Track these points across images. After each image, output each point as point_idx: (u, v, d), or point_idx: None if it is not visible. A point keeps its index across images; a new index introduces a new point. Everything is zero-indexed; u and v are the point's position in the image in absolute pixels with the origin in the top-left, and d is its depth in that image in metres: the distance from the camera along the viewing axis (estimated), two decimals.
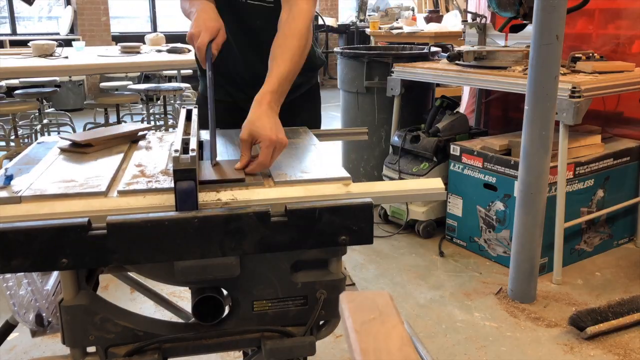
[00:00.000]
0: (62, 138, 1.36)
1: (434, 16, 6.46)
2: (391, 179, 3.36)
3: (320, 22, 8.86)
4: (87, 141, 1.28)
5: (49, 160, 1.22)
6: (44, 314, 1.18)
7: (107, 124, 4.99)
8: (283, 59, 1.30)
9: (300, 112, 1.69)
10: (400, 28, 6.27)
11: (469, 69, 3.05)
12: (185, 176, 0.95)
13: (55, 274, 1.23)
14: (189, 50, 4.17)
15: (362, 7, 8.94)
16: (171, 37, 5.85)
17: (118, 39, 7.65)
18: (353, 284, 1.26)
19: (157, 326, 1.09)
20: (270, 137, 1.13)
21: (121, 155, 1.26)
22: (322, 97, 1.85)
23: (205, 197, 1.01)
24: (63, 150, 1.28)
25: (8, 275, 1.15)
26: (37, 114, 5.10)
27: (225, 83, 1.67)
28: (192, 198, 0.96)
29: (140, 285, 1.54)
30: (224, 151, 1.30)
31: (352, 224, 1.00)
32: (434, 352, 2.20)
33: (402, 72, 3.34)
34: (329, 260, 1.10)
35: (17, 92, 4.83)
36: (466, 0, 4.32)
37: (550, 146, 2.41)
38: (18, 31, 7.92)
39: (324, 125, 1.83)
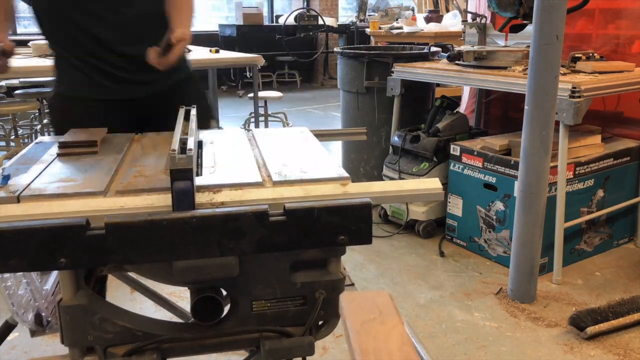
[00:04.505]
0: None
1: (434, 16, 6.45)
2: (391, 179, 3.36)
3: (320, 22, 8.86)
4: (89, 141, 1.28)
5: (47, 159, 1.22)
6: (43, 314, 1.18)
7: None
8: (188, 14, 1.66)
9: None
10: (400, 28, 6.27)
11: (469, 69, 3.05)
12: (182, 176, 0.95)
13: (54, 273, 1.23)
14: (189, 50, 4.16)
15: (362, 7, 8.94)
16: None
17: None
18: (352, 285, 1.26)
19: (156, 326, 1.09)
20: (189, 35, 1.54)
21: (120, 155, 1.26)
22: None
23: (202, 197, 1.01)
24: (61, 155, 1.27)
25: (7, 275, 1.15)
26: (37, 114, 5.10)
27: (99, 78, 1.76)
28: (189, 198, 0.96)
29: (140, 285, 1.55)
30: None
31: (351, 224, 1.00)
32: (434, 352, 2.19)
33: (402, 72, 3.34)
34: (328, 260, 1.10)
35: (17, 92, 4.83)
36: (466, 0, 4.32)
37: (550, 146, 2.41)
38: (18, 31, 7.91)
39: (325, 125, 1.82)
